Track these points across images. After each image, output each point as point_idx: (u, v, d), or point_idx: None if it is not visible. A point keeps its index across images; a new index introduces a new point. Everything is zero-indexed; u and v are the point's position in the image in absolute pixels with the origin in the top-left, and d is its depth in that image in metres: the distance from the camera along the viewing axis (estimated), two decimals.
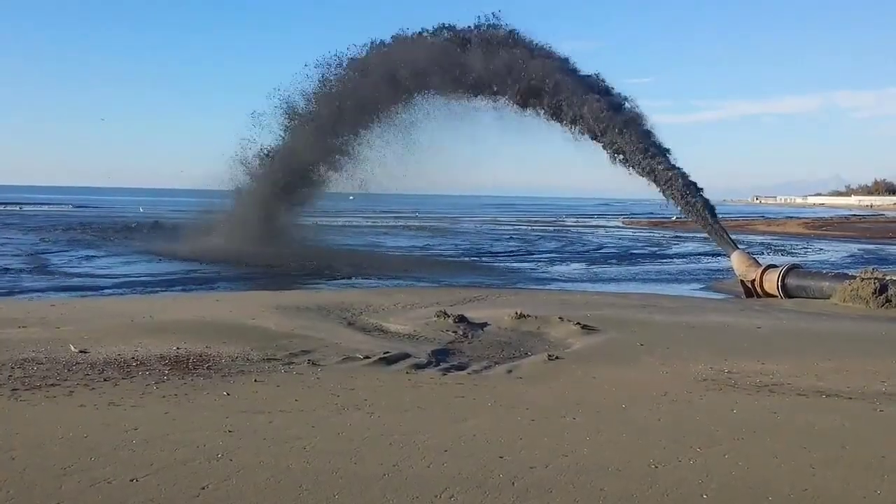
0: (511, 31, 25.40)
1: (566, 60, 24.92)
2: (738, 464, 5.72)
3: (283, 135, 29.49)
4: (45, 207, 78.57)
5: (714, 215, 22.16)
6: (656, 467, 5.63)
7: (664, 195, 22.37)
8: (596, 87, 23.73)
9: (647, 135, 22.64)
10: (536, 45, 25.21)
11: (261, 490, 5.13)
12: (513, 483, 5.30)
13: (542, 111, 24.22)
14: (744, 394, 7.96)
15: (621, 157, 22.63)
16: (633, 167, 22.53)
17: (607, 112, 22.55)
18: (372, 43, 28.04)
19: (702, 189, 22.16)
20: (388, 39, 27.64)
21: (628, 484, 5.31)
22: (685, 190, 21.85)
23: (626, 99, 23.59)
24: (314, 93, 28.85)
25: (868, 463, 5.77)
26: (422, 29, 26.91)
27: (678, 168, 22.09)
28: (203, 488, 5.13)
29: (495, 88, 24.71)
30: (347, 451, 5.90)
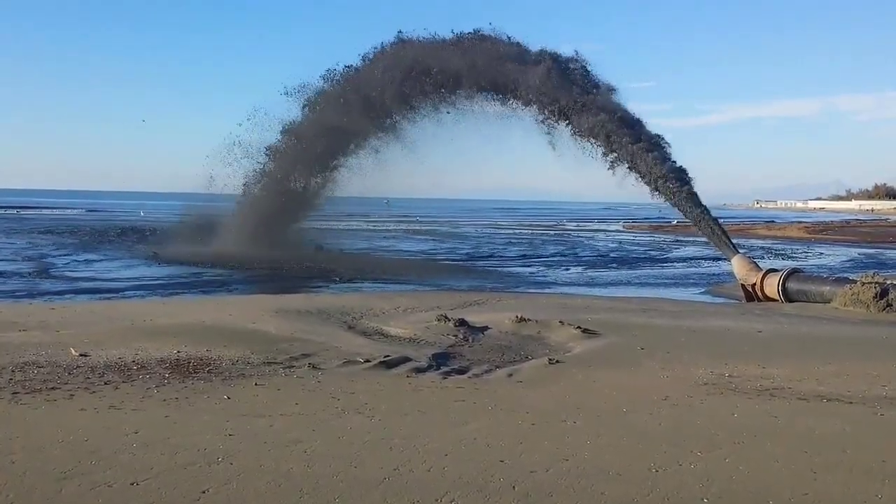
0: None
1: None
2: (738, 468, 5.71)
3: (284, 137, 29.48)
4: (55, 211, 78.63)
5: (715, 220, 22.17)
6: (657, 471, 5.62)
7: (668, 202, 22.38)
8: (632, 121, 23.41)
9: (666, 158, 22.57)
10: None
11: (261, 494, 5.13)
12: (513, 487, 5.29)
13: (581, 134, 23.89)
14: (744, 398, 7.95)
15: (636, 173, 22.59)
16: (643, 180, 22.50)
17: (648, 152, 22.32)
18: (399, 37, 27.63)
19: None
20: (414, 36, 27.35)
21: (629, 488, 5.30)
22: (687, 196, 21.86)
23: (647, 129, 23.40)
24: (321, 92, 28.80)
25: (869, 467, 5.76)
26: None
27: (687, 181, 22.08)
28: (203, 492, 5.13)
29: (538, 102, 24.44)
30: (348, 455, 5.89)
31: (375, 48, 27.72)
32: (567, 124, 23.76)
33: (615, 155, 22.58)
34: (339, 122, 27.00)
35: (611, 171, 22.96)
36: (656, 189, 22.14)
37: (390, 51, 27.24)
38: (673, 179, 21.78)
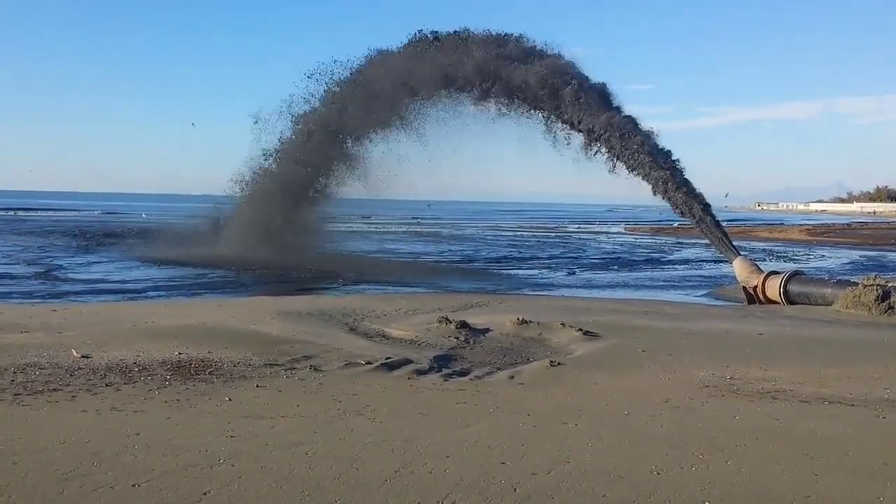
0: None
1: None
2: (740, 470, 5.71)
3: (285, 138, 29.44)
4: (53, 213, 78.62)
5: (717, 222, 22.17)
6: (658, 474, 5.62)
7: (669, 203, 22.41)
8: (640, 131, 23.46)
9: (667, 154, 22.63)
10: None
11: (263, 496, 5.13)
12: (514, 489, 5.29)
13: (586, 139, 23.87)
14: (746, 400, 7.95)
15: (636, 173, 22.62)
16: (645, 180, 22.53)
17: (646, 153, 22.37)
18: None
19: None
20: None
21: (630, 490, 5.30)
22: (688, 197, 21.87)
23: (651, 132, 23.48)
24: (326, 90, 28.73)
25: (871, 470, 5.76)
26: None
27: (686, 181, 22.12)
28: (205, 493, 5.14)
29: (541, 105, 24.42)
30: (349, 457, 5.90)
31: (412, 36, 27.36)
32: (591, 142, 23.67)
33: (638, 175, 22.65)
34: (360, 113, 26.75)
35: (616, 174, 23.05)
36: (666, 197, 22.21)
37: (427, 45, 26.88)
38: (679, 185, 21.88)
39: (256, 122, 29.43)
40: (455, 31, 26.54)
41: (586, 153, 23.70)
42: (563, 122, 23.97)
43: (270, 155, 29.45)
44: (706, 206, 22.03)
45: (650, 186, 22.42)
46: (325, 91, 28.77)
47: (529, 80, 23.58)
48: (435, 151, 28.11)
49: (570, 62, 24.76)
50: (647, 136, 22.72)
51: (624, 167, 22.73)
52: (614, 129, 22.56)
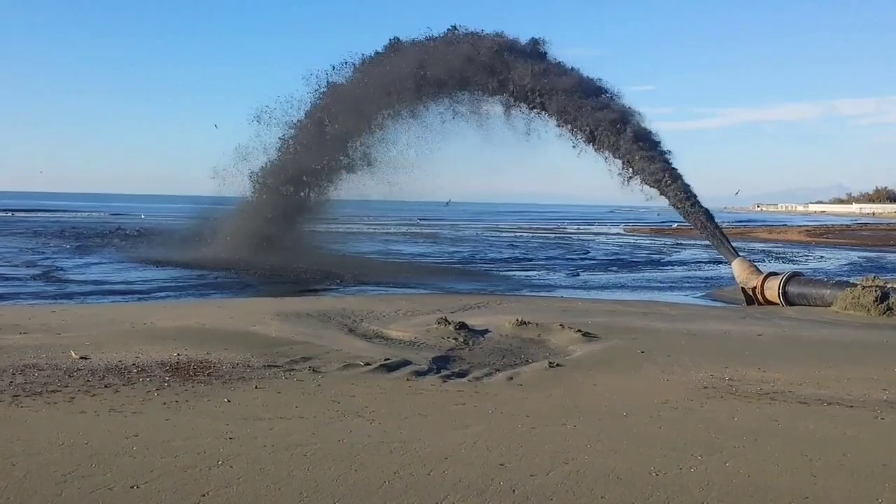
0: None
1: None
2: (739, 471, 5.72)
3: (285, 139, 29.37)
4: (50, 214, 78.53)
5: (714, 223, 22.19)
6: (657, 475, 5.63)
7: (670, 204, 22.44)
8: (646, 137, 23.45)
9: (664, 154, 22.66)
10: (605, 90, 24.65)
11: (261, 497, 5.13)
12: (513, 490, 5.29)
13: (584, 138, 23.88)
14: (745, 401, 7.96)
15: (635, 173, 22.63)
16: (645, 183, 22.55)
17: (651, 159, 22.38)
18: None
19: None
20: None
21: (629, 491, 5.30)
22: (687, 199, 21.89)
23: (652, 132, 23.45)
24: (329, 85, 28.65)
25: (869, 471, 5.76)
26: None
27: (685, 184, 22.15)
28: (203, 495, 5.14)
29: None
30: (348, 458, 5.90)
31: (428, 35, 27.18)
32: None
33: (637, 177, 22.67)
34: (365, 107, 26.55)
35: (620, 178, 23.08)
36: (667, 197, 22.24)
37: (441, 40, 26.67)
38: (679, 186, 21.89)
39: (260, 121, 29.42)
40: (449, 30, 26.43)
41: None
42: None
43: (272, 152, 29.37)
44: (706, 212, 22.11)
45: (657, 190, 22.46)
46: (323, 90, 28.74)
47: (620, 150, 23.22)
48: (439, 152, 28.25)
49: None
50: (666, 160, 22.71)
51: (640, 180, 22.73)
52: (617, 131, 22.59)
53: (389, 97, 26.02)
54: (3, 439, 6.16)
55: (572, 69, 24.39)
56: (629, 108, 23.28)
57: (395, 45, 27.11)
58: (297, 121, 28.86)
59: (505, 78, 24.00)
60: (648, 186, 22.51)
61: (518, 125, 25.37)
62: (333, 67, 28.26)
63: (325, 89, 28.24)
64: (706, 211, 22.14)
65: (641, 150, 22.14)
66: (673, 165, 22.33)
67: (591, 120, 22.61)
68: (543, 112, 24.06)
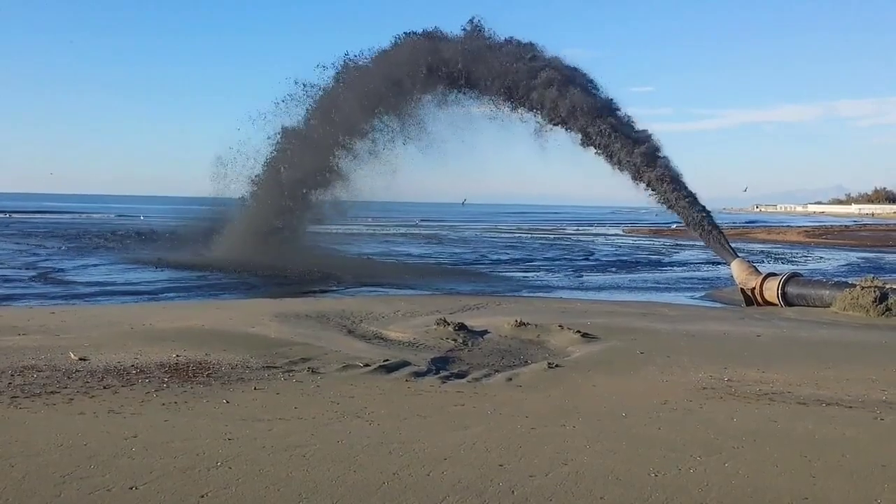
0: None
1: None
2: (738, 472, 5.72)
3: (284, 139, 29.30)
4: (49, 216, 78.45)
5: (714, 224, 22.21)
6: (656, 476, 5.63)
7: (667, 205, 22.46)
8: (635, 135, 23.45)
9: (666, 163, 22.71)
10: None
11: (260, 498, 5.13)
12: (512, 491, 5.29)
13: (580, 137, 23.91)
14: (744, 402, 7.96)
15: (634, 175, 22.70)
16: (640, 182, 22.59)
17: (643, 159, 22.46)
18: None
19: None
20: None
21: (628, 492, 5.30)
22: (685, 199, 21.90)
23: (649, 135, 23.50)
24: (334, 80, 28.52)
25: (868, 472, 5.76)
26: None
27: (683, 186, 22.19)
28: (202, 496, 5.13)
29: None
30: (347, 459, 5.89)
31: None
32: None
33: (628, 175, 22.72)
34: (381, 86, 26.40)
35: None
36: (662, 197, 22.26)
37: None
38: (676, 187, 21.92)
39: (263, 119, 29.37)
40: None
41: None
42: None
43: (272, 152, 29.31)
44: (707, 212, 22.14)
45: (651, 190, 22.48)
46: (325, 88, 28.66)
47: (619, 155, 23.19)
48: (446, 155, 28.26)
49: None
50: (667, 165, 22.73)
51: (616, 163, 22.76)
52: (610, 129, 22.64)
53: (402, 89, 25.86)
54: (1, 440, 6.16)
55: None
56: (654, 138, 23.36)
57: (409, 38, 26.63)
58: (307, 108, 28.62)
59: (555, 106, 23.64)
60: (655, 197, 22.58)
61: (542, 140, 25.29)
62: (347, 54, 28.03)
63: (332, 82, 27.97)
64: (707, 212, 22.17)
65: (650, 170, 22.16)
66: (674, 173, 22.38)
67: (627, 154, 22.54)
68: (575, 133, 23.75)
